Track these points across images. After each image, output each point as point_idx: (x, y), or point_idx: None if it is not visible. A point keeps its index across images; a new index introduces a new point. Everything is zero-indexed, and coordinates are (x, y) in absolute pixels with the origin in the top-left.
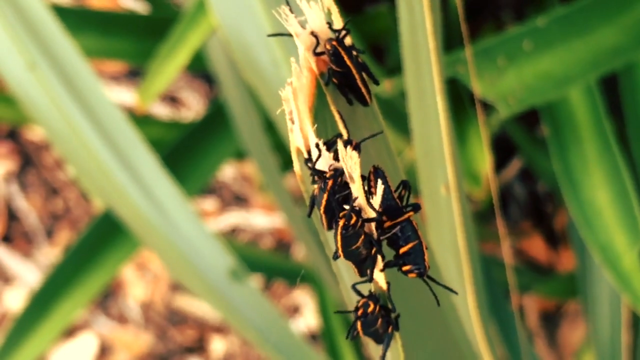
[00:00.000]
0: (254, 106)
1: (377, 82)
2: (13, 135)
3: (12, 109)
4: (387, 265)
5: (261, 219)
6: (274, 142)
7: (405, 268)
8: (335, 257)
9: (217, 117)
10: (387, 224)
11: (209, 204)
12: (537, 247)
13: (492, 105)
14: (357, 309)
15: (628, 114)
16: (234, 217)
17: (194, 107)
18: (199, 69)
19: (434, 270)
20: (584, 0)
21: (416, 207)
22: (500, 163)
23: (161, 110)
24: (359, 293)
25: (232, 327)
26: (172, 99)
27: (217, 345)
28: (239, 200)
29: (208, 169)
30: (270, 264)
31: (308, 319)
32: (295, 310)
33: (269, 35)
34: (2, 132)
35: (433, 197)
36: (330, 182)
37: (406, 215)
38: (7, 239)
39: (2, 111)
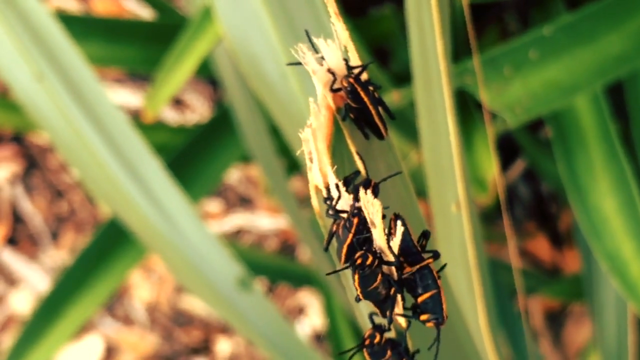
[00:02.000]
0: (259, 111)
1: (392, 117)
2: (18, 138)
3: (17, 115)
4: (405, 315)
5: (266, 221)
6: (279, 145)
7: (422, 317)
8: (358, 299)
9: (222, 121)
10: (407, 269)
11: (214, 205)
12: (541, 247)
13: (497, 114)
14: (364, 339)
15: (634, 120)
16: (239, 219)
17: (198, 109)
18: (204, 72)
19: (444, 286)
20: (589, 7)
21: (436, 255)
22: (504, 164)
23: (166, 114)
24: (373, 323)
25: (237, 331)
26: (177, 102)
27: (223, 346)
28: (244, 202)
29: (214, 174)
30: (275, 267)
31: (313, 320)
32: (300, 311)
33: (289, 64)
34: (7, 135)
35: (443, 212)
36: (355, 221)
37: (425, 262)
38: (13, 242)
39: (7, 117)
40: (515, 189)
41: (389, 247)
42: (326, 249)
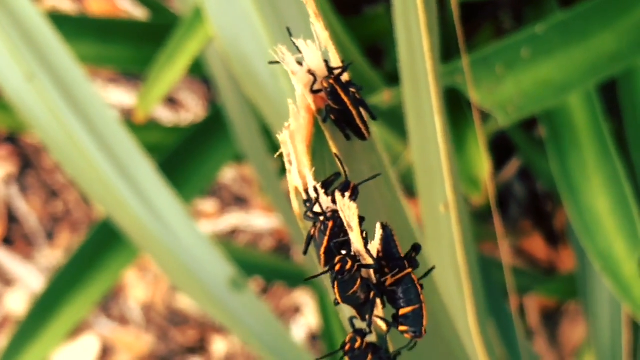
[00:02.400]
0: (251, 111)
1: (374, 117)
2: (12, 138)
3: (10, 116)
4: (384, 320)
5: (261, 220)
6: (271, 145)
7: (401, 328)
8: (336, 303)
9: (216, 120)
10: (389, 280)
11: (209, 205)
12: (537, 246)
13: (489, 113)
14: (344, 344)
15: (627, 119)
16: (234, 218)
17: (192, 108)
18: (198, 71)
19: (431, 286)
20: (582, 6)
21: (414, 264)
22: (499, 162)
23: (160, 113)
24: (353, 326)
25: (231, 332)
26: (170, 101)
27: (219, 345)
28: (239, 202)
29: (208, 172)
30: (270, 266)
31: (308, 320)
32: (295, 310)
33: (270, 63)
34: (2, 136)
35: (432, 211)
36: (330, 224)
37: (405, 272)
38: (8, 242)
39: (1, 117)
40: (511, 188)
41: (367, 251)
42: (305, 253)
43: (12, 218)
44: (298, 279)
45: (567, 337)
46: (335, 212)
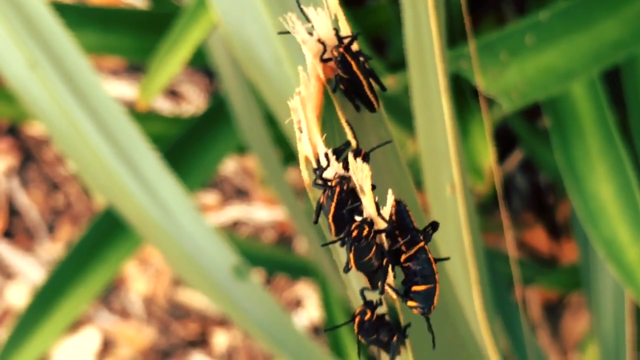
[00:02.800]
0: (255, 100)
1: (384, 89)
2: (13, 131)
3: (12, 105)
4: (395, 290)
5: (263, 213)
6: (275, 135)
7: (410, 304)
8: (347, 269)
9: (218, 112)
10: (404, 255)
11: (211, 197)
12: (539, 238)
13: (493, 99)
14: (353, 317)
15: (631, 107)
16: (236, 211)
17: (194, 101)
18: (200, 63)
19: (440, 269)
20: None
21: (427, 237)
22: (501, 154)
23: (162, 105)
24: (364, 298)
25: (234, 322)
26: (172, 93)
27: (220, 339)
28: (241, 194)
29: (210, 164)
30: (272, 258)
31: (310, 312)
32: (297, 303)
33: (279, 33)
34: (3, 128)
35: (438, 195)
36: (337, 190)
37: (419, 245)
38: (9, 235)
39: (2, 108)
40: (513, 180)
41: (380, 215)
42: (315, 222)
43: (13, 211)
44: (300, 270)
45: (570, 330)
46: (344, 178)
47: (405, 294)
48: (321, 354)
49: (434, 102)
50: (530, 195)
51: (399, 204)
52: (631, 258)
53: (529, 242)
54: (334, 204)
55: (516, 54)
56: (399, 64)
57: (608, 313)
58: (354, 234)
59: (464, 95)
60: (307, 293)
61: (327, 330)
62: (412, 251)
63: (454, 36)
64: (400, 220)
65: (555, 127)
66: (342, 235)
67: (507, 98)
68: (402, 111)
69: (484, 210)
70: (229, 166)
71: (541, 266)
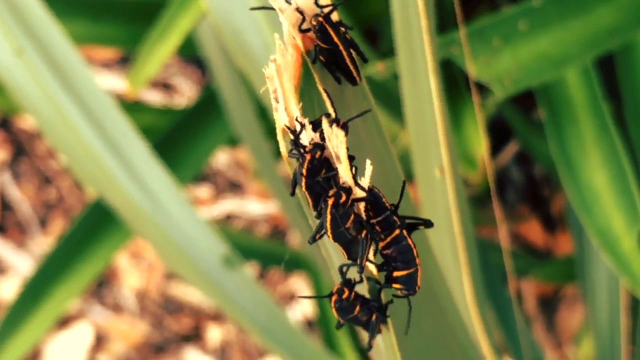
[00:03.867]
0: (246, 92)
1: (365, 60)
2: (5, 125)
3: (3, 98)
4: (379, 284)
5: (256, 206)
6: (267, 128)
7: (395, 286)
8: (313, 240)
9: (209, 103)
10: (381, 243)
11: (203, 191)
12: (534, 231)
13: (488, 87)
14: (331, 294)
15: (625, 95)
16: (229, 204)
17: (186, 93)
18: (191, 55)
19: (428, 254)
20: None
21: (428, 223)
22: (496, 146)
23: (153, 97)
24: (343, 276)
25: (226, 314)
26: (164, 85)
27: (214, 333)
28: (234, 187)
29: (201, 156)
30: (266, 251)
31: (304, 306)
32: (291, 297)
33: (252, 9)
34: None
35: (427, 180)
36: (308, 157)
37: (394, 233)
38: (1, 229)
39: None
40: (508, 172)
41: (357, 184)
42: (292, 194)
43: (5, 205)
44: (294, 264)
45: (565, 323)
46: (317, 145)
47: (386, 279)
48: (314, 347)
49: (422, 84)
50: (525, 187)
51: (371, 191)
52: (626, 247)
53: (524, 235)
54: (304, 169)
55: (509, 40)
56: (391, 55)
57: (603, 305)
58: (331, 200)
59: (456, 84)
60: (301, 287)
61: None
62: (389, 238)
63: (446, 23)
64: (374, 203)
65: (549, 115)
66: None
67: (499, 84)
68: (393, 100)
69: (479, 203)
70: (222, 159)
71: (536, 259)
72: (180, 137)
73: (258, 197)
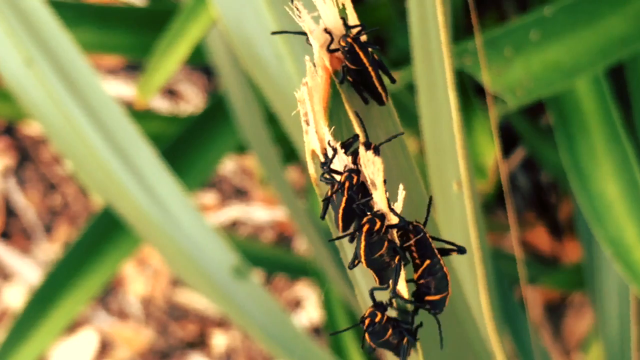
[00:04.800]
0: (255, 98)
1: (393, 80)
2: (10, 131)
3: (9, 104)
4: (412, 307)
5: (262, 213)
6: (275, 134)
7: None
8: (352, 265)
9: (216, 110)
10: (419, 272)
11: (210, 197)
12: (541, 238)
13: (498, 96)
14: (363, 318)
15: (635, 103)
16: (235, 211)
17: (192, 100)
18: (198, 62)
19: (447, 265)
20: None
21: (462, 250)
22: (503, 153)
23: (160, 104)
24: (374, 300)
25: (234, 322)
26: (170, 92)
27: (219, 340)
28: (240, 194)
29: (209, 163)
30: (272, 258)
31: (310, 313)
32: (297, 304)
33: (273, 33)
34: (0, 128)
35: (444, 192)
36: (347, 184)
37: (426, 263)
38: (6, 235)
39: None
40: (515, 179)
41: (392, 210)
42: (322, 217)
43: (10, 212)
44: (300, 271)
45: (572, 330)
46: (353, 171)
47: (417, 301)
48: (321, 353)
49: (440, 98)
50: (532, 194)
51: (417, 230)
52: (638, 257)
53: (531, 242)
54: (344, 199)
55: (521, 50)
56: (400, 62)
57: (613, 313)
58: (366, 228)
59: (466, 92)
60: (307, 294)
61: (332, 334)
62: (424, 266)
63: (456, 33)
64: (421, 244)
65: (559, 124)
66: (351, 230)
67: (512, 94)
68: (403, 109)
69: (486, 209)
70: (228, 166)
71: (543, 266)
72: (188, 145)
73: (264, 204)
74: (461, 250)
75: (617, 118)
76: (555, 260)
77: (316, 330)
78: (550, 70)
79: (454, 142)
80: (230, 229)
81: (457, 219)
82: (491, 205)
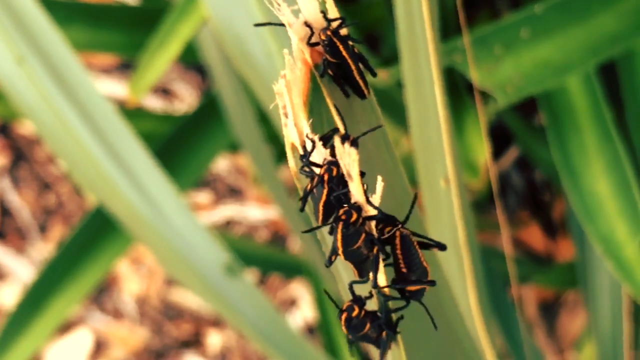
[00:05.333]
0: (247, 97)
1: (374, 74)
2: (4, 130)
3: (3, 103)
4: (387, 298)
5: (256, 212)
6: (268, 133)
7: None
8: (329, 262)
9: (210, 109)
10: (397, 265)
11: (203, 196)
12: (534, 236)
13: (490, 94)
14: (340, 312)
15: (627, 102)
16: (229, 210)
17: (186, 99)
18: (191, 61)
19: (435, 265)
20: None
21: (442, 247)
22: (496, 151)
23: (154, 103)
24: (353, 293)
25: (227, 321)
26: (164, 91)
27: (214, 339)
28: (234, 193)
29: (202, 162)
30: (266, 257)
31: (305, 312)
32: (291, 303)
33: (257, 25)
34: None
35: (432, 189)
36: (326, 176)
37: (411, 282)
38: (0, 235)
39: None
40: (508, 178)
41: (369, 202)
42: (302, 209)
43: (5, 211)
44: (294, 270)
45: (566, 329)
46: (332, 163)
47: (399, 292)
48: (315, 353)
49: (427, 94)
50: (525, 192)
51: (403, 236)
52: (629, 254)
53: (525, 240)
54: (325, 191)
55: (511, 48)
56: (392, 59)
57: (605, 311)
58: (342, 219)
59: (458, 90)
60: (301, 293)
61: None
62: (403, 257)
63: (447, 30)
64: (405, 251)
65: (551, 122)
66: (329, 222)
67: (502, 92)
68: (395, 106)
69: (479, 208)
70: (222, 165)
71: (537, 264)
72: (181, 144)
73: (258, 203)
74: (441, 247)
75: (608, 116)
76: (549, 259)
77: (311, 330)
78: (540, 68)
79: (441, 139)
80: (225, 228)
81: (445, 216)
82: (485, 204)
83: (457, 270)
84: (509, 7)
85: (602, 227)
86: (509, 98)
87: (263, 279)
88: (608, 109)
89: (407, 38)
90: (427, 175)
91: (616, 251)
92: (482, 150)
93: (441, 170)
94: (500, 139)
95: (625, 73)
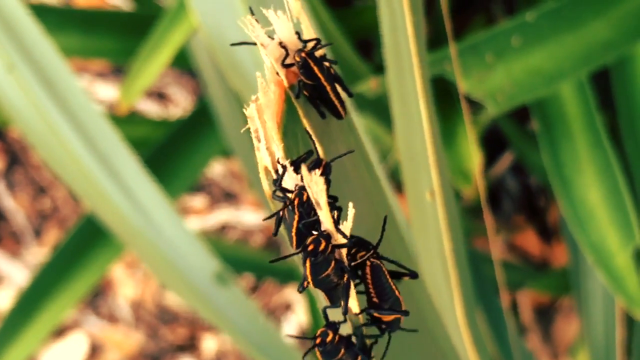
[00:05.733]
0: (238, 105)
1: (350, 95)
2: None
3: None
4: (360, 325)
5: (251, 216)
6: None
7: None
8: (301, 288)
9: (204, 114)
10: (369, 294)
11: (198, 201)
12: (530, 241)
13: (479, 102)
14: (315, 337)
15: (619, 109)
16: (224, 215)
17: (181, 103)
18: (187, 65)
19: (418, 281)
20: None
21: (414, 275)
22: (491, 156)
23: (148, 107)
24: (327, 319)
25: (217, 328)
26: (159, 95)
27: (209, 343)
28: (229, 197)
29: (196, 167)
30: (261, 262)
31: (299, 317)
32: (286, 307)
33: (233, 45)
34: None
35: (418, 201)
36: (296, 202)
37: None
38: None
39: None
40: (504, 182)
41: (339, 230)
42: (275, 234)
43: (0, 215)
44: (288, 275)
45: (561, 334)
46: (303, 188)
47: (372, 321)
48: None
49: (413, 107)
50: (521, 197)
51: (374, 267)
52: (620, 263)
53: (520, 245)
54: (296, 217)
55: (502, 56)
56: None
57: (598, 317)
58: (310, 248)
59: (450, 97)
60: (296, 298)
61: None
62: (374, 287)
63: (440, 38)
64: (376, 280)
65: (543, 129)
66: (297, 250)
67: (492, 100)
68: (386, 112)
69: (475, 213)
70: (217, 169)
71: (532, 269)
72: (175, 149)
73: (253, 207)
74: (412, 275)
75: (600, 124)
76: (544, 264)
77: (305, 335)
78: (532, 76)
79: (426, 154)
80: (220, 233)
81: (432, 228)
82: (479, 210)
83: (443, 283)
84: (503, 11)
85: (593, 236)
86: (500, 107)
87: (258, 283)
88: (600, 117)
89: (392, 50)
90: (413, 187)
91: (607, 260)
92: (474, 158)
93: (427, 182)
94: (495, 143)
95: (618, 80)
